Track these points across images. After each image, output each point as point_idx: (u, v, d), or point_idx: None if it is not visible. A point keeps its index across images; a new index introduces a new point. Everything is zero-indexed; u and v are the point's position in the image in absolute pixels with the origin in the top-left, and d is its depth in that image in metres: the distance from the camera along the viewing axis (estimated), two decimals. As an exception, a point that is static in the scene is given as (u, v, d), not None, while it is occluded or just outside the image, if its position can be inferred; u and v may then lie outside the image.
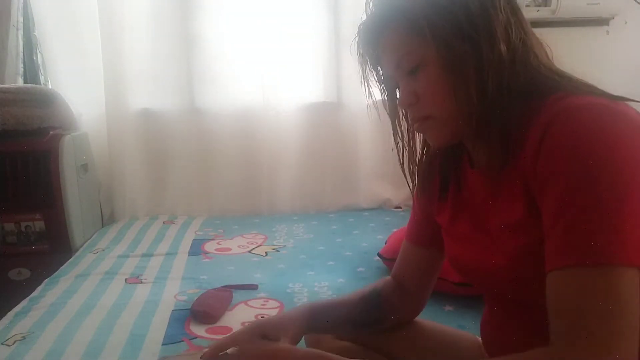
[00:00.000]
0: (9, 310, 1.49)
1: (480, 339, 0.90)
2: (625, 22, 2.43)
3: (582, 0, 2.35)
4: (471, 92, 0.67)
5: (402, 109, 0.78)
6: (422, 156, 0.84)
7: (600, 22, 2.43)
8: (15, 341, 1.30)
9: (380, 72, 0.79)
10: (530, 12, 2.32)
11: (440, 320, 1.02)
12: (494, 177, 0.71)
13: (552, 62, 0.72)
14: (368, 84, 0.80)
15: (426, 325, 0.98)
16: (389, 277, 0.97)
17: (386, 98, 0.82)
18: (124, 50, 2.34)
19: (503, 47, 0.67)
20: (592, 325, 0.56)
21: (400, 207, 2.61)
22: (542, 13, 2.36)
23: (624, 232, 0.56)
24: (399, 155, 0.82)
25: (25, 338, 1.31)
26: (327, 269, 1.79)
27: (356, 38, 0.77)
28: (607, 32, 2.45)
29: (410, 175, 0.85)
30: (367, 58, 0.78)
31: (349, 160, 2.57)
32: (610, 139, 0.59)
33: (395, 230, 1.89)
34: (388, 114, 0.82)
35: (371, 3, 0.74)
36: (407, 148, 0.82)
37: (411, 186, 0.86)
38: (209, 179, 2.52)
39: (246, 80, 2.43)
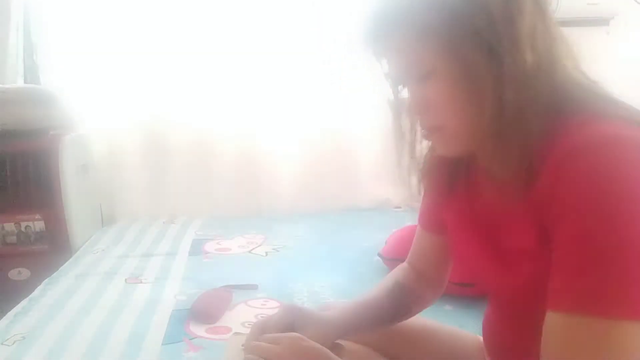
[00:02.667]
0: (9, 310, 1.49)
1: (481, 338, 0.90)
2: (625, 22, 2.43)
3: (582, 0, 2.35)
4: (486, 108, 0.61)
5: (411, 115, 0.72)
6: (428, 154, 0.78)
7: (600, 22, 2.43)
8: (15, 341, 1.30)
9: (386, 68, 0.71)
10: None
11: (440, 320, 1.02)
12: (506, 197, 0.64)
13: (581, 70, 0.65)
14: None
15: (429, 325, 0.97)
16: (405, 265, 0.95)
17: (391, 93, 0.74)
18: (124, 50, 2.34)
19: (528, 58, 0.60)
20: None
21: (400, 207, 2.61)
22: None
23: (634, 286, 0.53)
24: (398, 151, 0.76)
25: (25, 338, 1.31)
26: (327, 269, 1.79)
27: (358, 27, 0.69)
28: (607, 32, 2.45)
29: (415, 171, 0.79)
30: (370, 50, 0.70)
31: (349, 160, 2.57)
32: (630, 185, 0.54)
33: (395, 230, 1.89)
34: (391, 108, 0.75)
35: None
36: (408, 145, 0.76)
37: (409, 181, 0.80)
38: (209, 179, 2.51)
39: (246, 80, 2.43)
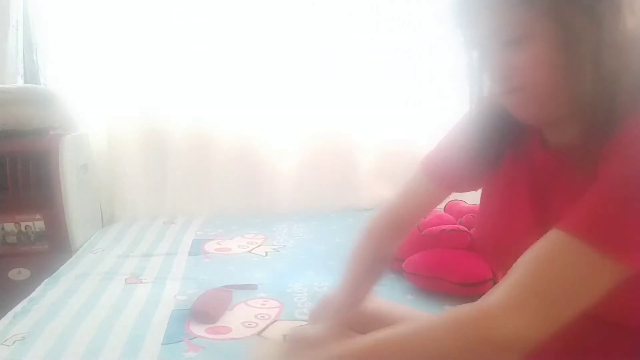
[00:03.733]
0: (9, 310, 1.49)
1: None
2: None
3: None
4: (586, 73, 0.59)
5: (493, 82, 0.68)
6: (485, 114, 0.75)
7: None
8: (15, 341, 1.30)
9: (473, 35, 0.68)
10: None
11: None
12: (576, 164, 0.63)
13: None
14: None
15: (407, 311, 1.01)
16: (382, 220, 0.96)
17: (471, 65, 0.71)
18: (124, 50, 2.34)
19: (628, 21, 0.58)
20: (554, 292, 0.56)
21: (400, 207, 2.61)
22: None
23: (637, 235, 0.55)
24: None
25: (25, 338, 1.31)
26: (327, 269, 1.79)
27: None
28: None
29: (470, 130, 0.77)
30: (458, 17, 0.67)
31: (349, 160, 2.57)
32: None
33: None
34: (467, 79, 0.72)
35: None
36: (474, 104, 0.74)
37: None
38: (209, 179, 2.51)
39: (246, 80, 2.43)
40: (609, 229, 0.56)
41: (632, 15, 0.59)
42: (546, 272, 0.58)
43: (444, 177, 0.88)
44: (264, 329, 1.35)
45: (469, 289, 1.45)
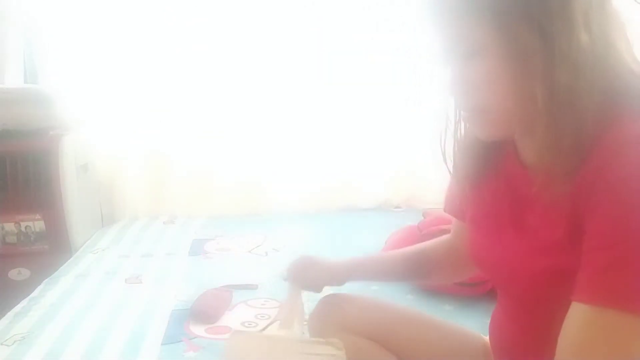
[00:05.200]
0: (9, 310, 1.49)
1: (484, 337, 0.90)
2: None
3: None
4: (536, 91, 0.58)
5: (450, 95, 0.68)
6: (463, 136, 0.75)
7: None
8: (15, 341, 1.30)
9: (435, 44, 0.67)
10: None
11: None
12: (552, 186, 0.61)
13: (633, 54, 0.61)
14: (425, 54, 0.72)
15: (433, 321, 0.98)
16: (448, 236, 0.97)
17: (438, 74, 0.70)
18: (124, 49, 2.34)
19: (582, 38, 0.56)
20: None
21: (401, 207, 2.61)
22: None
23: None
24: (441, 134, 0.74)
25: (25, 338, 1.31)
26: (327, 269, 1.79)
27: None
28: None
29: (452, 153, 0.77)
30: (422, 23, 0.66)
31: (349, 160, 2.57)
32: None
33: (395, 230, 1.89)
34: (437, 91, 0.73)
35: None
36: (451, 128, 0.74)
37: (448, 164, 0.78)
38: (209, 179, 2.51)
39: (246, 80, 2.43)
40: (630, 287, 0.55)
41: (586, 32, 0.57)
42: (592, 353, 0.57)
43: (454, 208, 0.90)
44: (264, 329, 1.35)
45: (469, 289, 1.45)
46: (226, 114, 2.47)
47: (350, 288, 1.00)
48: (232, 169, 2.50)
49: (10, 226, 2.03)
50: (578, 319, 0.58)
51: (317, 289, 1.02)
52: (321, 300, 1.00)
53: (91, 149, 2.38)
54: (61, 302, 1.53)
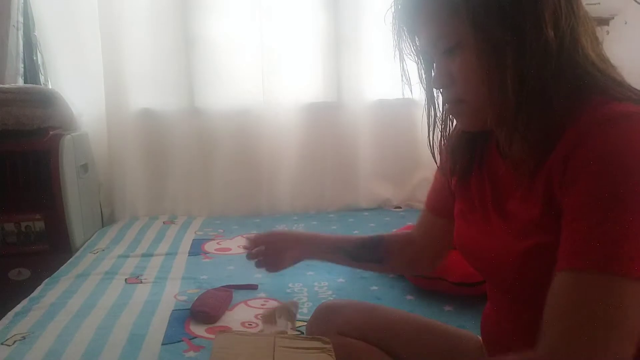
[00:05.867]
0: (9, 310, 1.49)
1: (480, 338, 0.91)
2: (625, 22, 2.43)
3: (582, 0, 2.34)
4: (507, 81, 0.63)
5: (435, 88, 0.75)
6: (451, 132, 0.81)
7: (600, 22, 2.43)
8: (15, 341, 1.30)
9: (417, 44, 0.74)
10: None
11: (440, 320, 1.03)
12: (521, 171, 0.68)
13: (598, 51, 0.67)
14: (402, 54, 0.75)
15: (429, 324, 0.99)
16: (408, 233, 1.03)
17: (422, 72, 0.77)
18: (124, 50, 2.34)
19: (550, 34, 0.62)
20: (593, 329, 0.56)
21: (400, 207, 2.61)
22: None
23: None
24: (428, 130, 0.78)
25: (25, 338, 1.31)
26: (327, 269, 1.79)
27: (392, 6, 0.72)
28: (607, 32, 2.45)
29: (439, 149, 0.82)
30: (403, 27, 0.73)
31: (349, 160, 2.57)
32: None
33: (395, 230, 1.89)
34: (424, 87, 0.78)
35: None
36: (439, 124, 0.79)
37: (437, 159, 0.83)
38: (209, 179, 2.52)
39: (246, 80, 2.43)
40: (608, 249, 0.57)
41: (554, 29, 0.62)
42: (578, 315, 0.58)
43: (435, 206, 0.95)
44: (263, 329, 1.35)
45: (469, 289, 1.45)
46: (225, 114, 2.47)
47: (350, 290, 1.01)
48: (232, 169, 2.50)
49: (10, 226, 2.04)
50: (561, 285, 0.59)
51: (277, 265, 1.08)
52: (319, 306, 1.02)
53: (91, 149, 2.38)
54: (61, 302, 1.53)
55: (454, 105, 0.72)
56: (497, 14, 0.62)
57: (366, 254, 1.02)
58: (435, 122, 0.78)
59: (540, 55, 0.62)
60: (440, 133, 0.80)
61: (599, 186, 0.58)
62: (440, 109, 0.78)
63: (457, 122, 0.77)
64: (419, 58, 0.76)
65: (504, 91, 0.64)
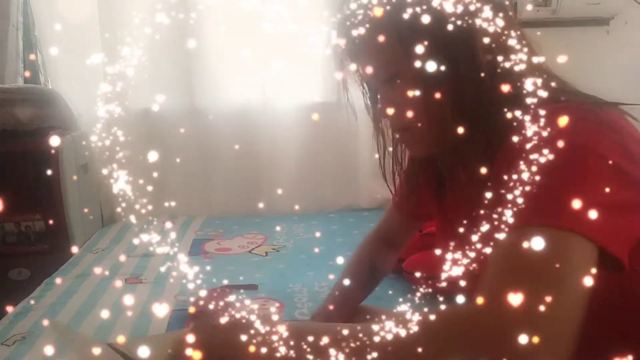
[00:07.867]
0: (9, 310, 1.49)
1: None
2: (625, 22, 2.43)
3: (582, 0, 2.35)
4: (446, 109, 0.65)
5: (382, 117, 0.78)
6: (409, 158, 0.84)
7: (600, 22, 2.43)
8: (15, 341, 1.30)
9: (360, 73, 0.78)
10: (530, 12, 2.32)
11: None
12: (472, 191, 0.68)
13: (542, 67, 0.67)
14: (345, 85, 0.79)
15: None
16: (373, 237, 1.09)
17: (368, 100, 0.80)
18: (124, 50, 2.34)
19: (484, 59, 0.63)
20: (534, 282, 0.55)
21: (400, 207, 2.61)
22: (542, 13, 2.35)
23: (578, 205, 0.55)
24: (379, 155, 0.82)
25: (25, 338, 1.31)
26: (327, 269, 1.78)
27: (333, 39, 0.75)
28: (607, 32, 2.45)
29: (393, 176, 0.85)
30: (347, 58, 0.76)
31: (349, 160, 2.57)
32: (583, 140, 0.59)
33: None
34: (370, 116, 0.81)
35: (347, 5, 0.70)
36: (390, 149, 0.82)
37: (391, 187, 0.88)
38: (209, 179, 2.52)
39: (246, 81, 2.43)
40: (546, 203, 0.57)
41: (488, 56, 0.63)
42: (515, 266, 0.58)
43: (404, 208, 1.00)
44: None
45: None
46: (225, 114, 2.47)
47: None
48: (233, 169, 2.50)
49: (10, 226, 2.04)
50: (502, 243, 0.58)
51: None
52: (313, 315, 1.03)
53: (91, 149, 2.38)
54: (61, 302, 1.53)
55: (401, 133, 0.75)
56: (430, 45, 0.62)
57: (369, 286, 1.07)
58: (385, 151, 0.81)
59: (477, 81, 0.64)
60: (393, 160, 0.83)
61: (544, 172, 0.57)
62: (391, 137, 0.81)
63: (407, 148, 0.81)
64: (363, 87, 0.80)
65: (444, 119, 0.66)
